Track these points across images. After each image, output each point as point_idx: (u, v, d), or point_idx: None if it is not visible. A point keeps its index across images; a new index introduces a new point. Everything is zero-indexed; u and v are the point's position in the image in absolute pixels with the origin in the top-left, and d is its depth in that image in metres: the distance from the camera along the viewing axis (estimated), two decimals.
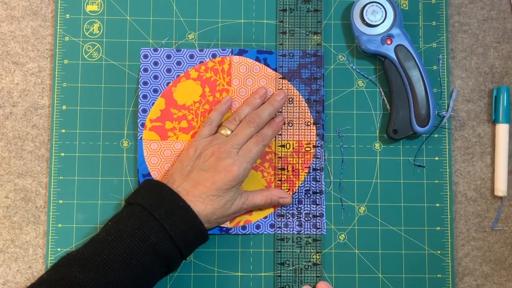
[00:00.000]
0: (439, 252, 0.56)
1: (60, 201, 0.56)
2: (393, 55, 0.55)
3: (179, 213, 0.48)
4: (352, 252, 0.56)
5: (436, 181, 0.57)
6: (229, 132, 0.54)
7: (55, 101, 0.57)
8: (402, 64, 0.54)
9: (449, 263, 0.56)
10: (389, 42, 0.55)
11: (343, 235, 0.56)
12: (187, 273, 0.55)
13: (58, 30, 0.58)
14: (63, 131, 0.57)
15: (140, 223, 0.47)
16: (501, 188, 0.57)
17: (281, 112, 0.56)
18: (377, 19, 0.55)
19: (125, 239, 0.47)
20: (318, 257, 0.55)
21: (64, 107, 0.57)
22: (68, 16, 0.58)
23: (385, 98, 0.58)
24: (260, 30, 0.58)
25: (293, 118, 0.57)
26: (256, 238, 0.56)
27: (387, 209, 0.56)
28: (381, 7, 0.55)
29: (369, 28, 0.56)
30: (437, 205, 0.57)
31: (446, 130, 0.58)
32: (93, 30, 0.58)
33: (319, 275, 0.55)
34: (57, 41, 0.57)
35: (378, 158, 0.57)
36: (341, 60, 0.58)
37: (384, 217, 0.56)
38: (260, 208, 0.55)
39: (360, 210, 0.57)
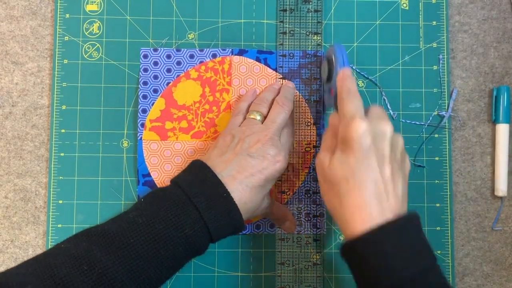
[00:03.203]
0: (439, 252, 0.56)
1: (60, 201, 0.56)
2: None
3: (221, 205, 0.44)
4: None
5: (436, 181, 0.57)
6: (259, 117, 0.51)
7: (55, 101, 0.57)
8: None
9: (449, 263, 0.56)
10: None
11: (343, 235, 0.56)
12: (187, 273, 0.55)
13: (57, 29, 0.57)
14: (62, 131, 0.57)
15: (177, 210, 0.43)
16: (501, 188, 0.57)
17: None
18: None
19: (157, 224, 0.42)
20: (318, 257, 0.55)
21: (63, 107, 0.57)
22: (67, 15, 0.58)
23: (385, 98, 0.58)
24: (260, 30, 0.58)
25: (294, 117, 0.57)
26: (256, 238, 0.56)
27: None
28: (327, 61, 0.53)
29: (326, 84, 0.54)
30: (437, 205, 0.57)
31: (446, 130, 0.58)
32: (92, 29, 0.58)
33: (319, 275, 0.55)
34: (57, 41, 0.57)
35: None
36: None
37: None
38: (270, 219, 0.55)
39: None
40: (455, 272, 0.56)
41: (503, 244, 0.57)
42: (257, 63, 0.57)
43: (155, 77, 0.57)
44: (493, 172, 0.58)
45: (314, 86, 0.57)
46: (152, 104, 0.56)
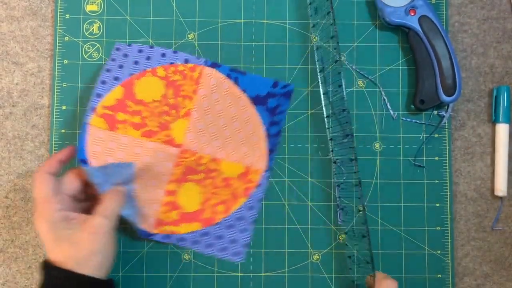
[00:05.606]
0: (439, 252, 0.56)
1: None
2: (417, 26, 0.55)
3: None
4: (352, 252, 0.56)
5: (436, 181, 0.57)
6: None
7: (55, 101, 0.57)
8: (427, 34, 0.55)
9: (449, 263, 0.56)
10: (412, 13, 0.55)
11: (343, 235, 0.56)
12: (187, 273, 0.55)
13: (58, 30, 0.58)
14: (62, 131, 0.57)
15: None
16: (501, 188, 0.57)
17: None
18: None
19: None
20: (318, 257, 0.55)
21: (63, 107, 0.57)
22: (68, 16, 0.58)
23: (385, 98, 0.58)
24: (260, 30, 0.58)
25: (249, 142, 0.56)
26: (257, 237, 0.56)
27: (387, 209, 0.57)
28: None
29: (393, 0, 0.56)
30: (437, 205, 0.57)
31: (446, 130, 0.58)
32: (92, 30, 0.58)
33: (320, 274, 0.55)
34: (57, 41, 0.57)
35: (378, 158, 0.57)
36: (341, 60, 0.58)
37: (384, 217, 0.56)
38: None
39: (360, 210, 0.57)
40: (455, 272, 0.56)
41: (503, 244, 0.57)
42: (227, 79, 0.56)
43: (121, 66, 0.55)
44: (493, 172, 0.58)
45: (276, 118, 0.56)
46: (110, 91, 0.55)
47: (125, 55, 0.56)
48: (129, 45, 0.56)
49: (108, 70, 0.55)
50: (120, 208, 0.50)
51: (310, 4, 0.58)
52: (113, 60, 0.56)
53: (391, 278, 0.50)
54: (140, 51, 0.56)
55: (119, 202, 0.50)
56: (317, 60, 0.57)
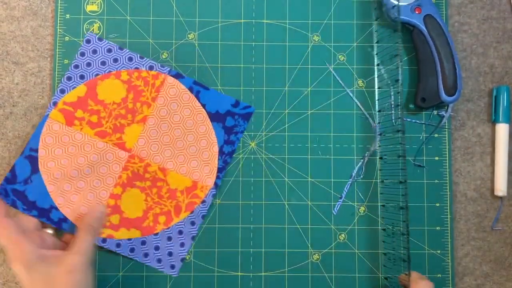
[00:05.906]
0: (439, 252, 0.56)
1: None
2: (422, 24, 0.55)
3: None
4: (352, 252, 0.56)
5: (436, 181, 0.57)
6: None
7: None
8: (431, 33, 0.55)
9: (449, 263, 0.56)
10: (418, 12, 0.56)
11: (343, 235, 0.56)
12: (187, 273, 0.55)
13: (58, 30, 0.58)
14: None
15: None
16: (501, 188, 0.57)
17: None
18: None
19: None
20: (318, 256, 0.56)
21: None
22: (68, 16, 0.58)
23: (391, 101, 0.58)
24: (260, 30, 0.58)
25: (200, 157, 0.56)
26: (257, 237, 0.56)
27: (387, 209, 0.57)
28: None
29: None
30: (437, 205, 0.57)
31: (446, 130, 0.58)
32: (93, 30, 0.58)
33: (319, 274, 0.55)
34: (57, 41, 0.57)
35: (378, 157, 0.57)
36: (341, 60, 0.58)
37: (385, 216, 0.56)
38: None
39: (360, 210, 0.57)
40: (455, 271, 0.57)
41: (503, 244, 0.57)
42: (188, 92, 0.56)
43: (88, 64, 0.56)
44: (493, 172, 0.58)
45: (231, 137, 0.56)
46: (73, 88, 0.56)
47: (94, 51, 0.56)
48: (99, 39, 0.56)
49: (76, 66, 0.56)
50: (93, 243, 0.50)
51: None
52: (82, 55, 0.56)
53: (427, 279, 0.50)
54: (109, 50, 0.56)
55: (92, 237, 0.50)
56: (376, 54, 0.58)
